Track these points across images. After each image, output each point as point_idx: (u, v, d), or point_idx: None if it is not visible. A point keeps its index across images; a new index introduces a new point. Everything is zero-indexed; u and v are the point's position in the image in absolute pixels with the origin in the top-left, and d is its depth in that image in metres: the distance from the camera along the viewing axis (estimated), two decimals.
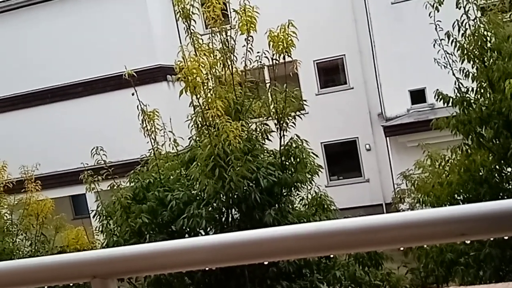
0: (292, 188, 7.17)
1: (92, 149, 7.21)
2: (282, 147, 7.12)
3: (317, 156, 7.48)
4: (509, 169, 6.67)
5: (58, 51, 16.67)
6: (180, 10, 6.74)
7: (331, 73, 19.18)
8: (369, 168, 18.35)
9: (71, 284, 1.49)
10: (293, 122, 7.20)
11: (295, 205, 7.49)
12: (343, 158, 18.92)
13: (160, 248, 1.41)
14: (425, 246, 5.98)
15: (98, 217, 7.52)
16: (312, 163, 7.22)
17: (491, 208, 1.16)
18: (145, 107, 7.27)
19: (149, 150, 7.54)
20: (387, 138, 16.46)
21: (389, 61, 16.72)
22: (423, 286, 7.60)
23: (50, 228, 10.08)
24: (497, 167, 6.76)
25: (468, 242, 1.17)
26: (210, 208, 6.70)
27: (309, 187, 7.44)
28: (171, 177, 7.25)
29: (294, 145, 7.08)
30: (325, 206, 7.49)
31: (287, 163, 7.12)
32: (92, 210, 7.92)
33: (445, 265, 6.89)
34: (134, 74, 6.95)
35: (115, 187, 7.25)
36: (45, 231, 10.01)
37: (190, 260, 1.39)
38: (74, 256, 1.47)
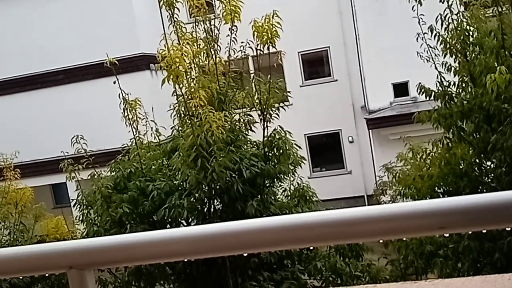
0: (275, 179, 7.19)
1: (72, 138, 7.11)
2: (265, 138, 7.11)
3: (300, 147, 7.49)
4: (488, 163, 6.75)
5: (39, 38, 16.36)
6: None
7: (316, 65, 19.21)
8: (351, 160, 18.48)
9: (46, 275, 1.46)
10: (276, 114, 7.19)
11: (277, 196, 7.51)
12: (326, 150, 19.02)
13: (138, 239, 1.39)
14: (404, 238, 6.04)
15: (79, 206, 7.45)
16: (295, 154, 7.23)
17: (470, 202, 1.16)
18: (127, 96, 7.19)
19: (131, 139, 7.47)
20: (370, 130, 16.56)
21: (373, 54, 16.79)
22: (403, 277, 7.70)
23: (30, 217, 9.93)
24: (477, 160, 6.84)
25: (447, 235, 1.17)
26: (192, 199, 6.68)
27: (291, 179, 7.46)
28: (153, 167, 7.21)
29: (277, 136, 7.08)
30: (307, 197, 7.53)
31: (270, 154, 7.12)
32: (73, 199, 7.84)
33: (424, 257, 6.97)
34: (116, 62, 6.86)
35: (95, 176, 7.17)
36: (24, 220, 9.85)
37: (168, 251, 1.38)
38: (50, 246, 1.44)
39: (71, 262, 1.37)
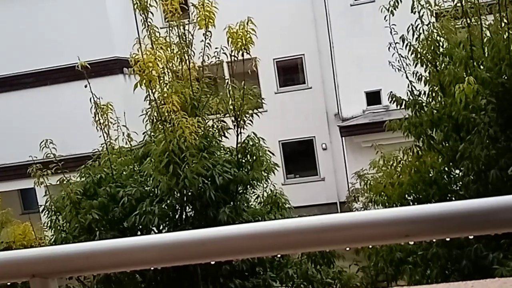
0: (248, 186, 7.18)
1: (41, 142, 6.96)
2: (239, 145, 7.10)
3: (273, 154, 7.50)
4: (457, 171, 6.89)
5: (10, 40, 16.02)
6: (137, 1, 6.61)
7: (291, 72, 19.33)
8: (325, 167, 18.62)
9: (8, 283, 1.43)
10: (250, 120, 7.19)
11: (250, 203, 7.50)
12: (300, 157, 19.12)
13: (103, 247, 1.37)
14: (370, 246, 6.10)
15: (47, 212, 7.28)
16: (268, 161, 7.24)
17: (434, 210, 1.17)
18: (99, 100, 7.09)
19: (102, 144, 7.36)
20: (343, 138, 16.74)
21: (346, 62, 17.00)
22: (373, 284, 7.77)
23: None
24: (446, 169, 6.97)
25: (412, 243, 1.19)
26: (163, 205, 6.61)
27: (265, 185, 7.46)
28: (124, 172, 7.11)
29: (251, 143, 7.07)
30: (280, 204, 7.54)
31: (243, 160, 7.11)
32: (41, 205, 7.66)
33: (394, 263, 7.05)
34: (88, 65, 6.77)
35: (64, 182, 7.03)
36: None
37: (136, 259, 1.36)
38: (11, 254, 1.41)
39: (33, 271, 1.34)
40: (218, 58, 7.04)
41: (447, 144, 6.73)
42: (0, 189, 11.14)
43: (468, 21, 6.55)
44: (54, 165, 7.00)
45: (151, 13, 6.70)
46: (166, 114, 6.44)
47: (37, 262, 1.36)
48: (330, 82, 17.95)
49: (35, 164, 7.12)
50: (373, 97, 16.84)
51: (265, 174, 7.21)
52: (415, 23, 6.73)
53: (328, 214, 1.23)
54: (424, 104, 6.90)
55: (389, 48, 7.00)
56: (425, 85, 6.98)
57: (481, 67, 6.46)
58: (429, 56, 6.78)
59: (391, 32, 6.74)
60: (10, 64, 15.96)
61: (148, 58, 6.26)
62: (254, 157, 7.06)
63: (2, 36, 16.04)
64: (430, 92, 6.93)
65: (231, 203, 6.86)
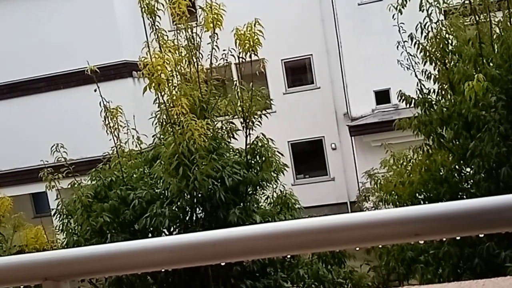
0: (257, 187, 7.17)
1: (52, 146, 7.02)
2: (248, 146, 7.11)
3: (282, 155, 7.50)
4: (468, 169, 6.84)
5: (20, 45, 16.17)
6: (145, 5, 6.65)
7: (299, 73, 19.31)
8: (334, 167, 18.57)
9: (21, 287, 1.44)
10: (259, 121, 7.20)
11: (260, 204, 7.50)
12: (310, 157, 19.09)
13: (114, 250, 1.38)
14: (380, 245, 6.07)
15: (59, 215, 7.34)
16: (278, 161, 7.24)
17: (444, 209, 1.17)
18: (108, 104, 7.14)
19: (112, 147, 7.41)
20: (352, 137, 16.68)
21: (355, 62, 16.94)
22: (385, 283, 7.74)
23: (8, 227, 9.76)
24: (456, 167, 6.93)
25: (422, 242, 1.19)
26: (173, 207, 6.64)
27: (274, 186, 7.46)
28: (134, 175, 7.15)
29: (259, 144, 7.08)
30: (290, 204, 7.53)
31: (252, 161, 7.12)
32: (53, 209, 7.72)
33: (405, 263, 7.02)
34: (97, 70, 6.82)
35: (75, 185, 7.08)
36: (3, 230, 9.68)
37: (146, 261, 1.37)
38: (24, 257, 1.42)
39: (46, 274, 1.35)
40: (226, 60, 7.06)
41: (457, 142, 6.69)
42: (12, 193, 11.21)
43: (477, 18, 6.52)
44: (65, 169, 7.05)
45: (159, 16, 6.74)
46: (175, 116, 6.46)
47: (49, 265, 1.37)
48: (338, 82, 17.90)
49: (47, 168, 7.18)
50: (382, 96, 16.77)
51: (275, 175, 7.21)
52: (423, 21, 6.70)
53: (338, 214, 1.23)
54: (433, 102, 6.86)
55: (397, 46, 6.98)
56: (434, 83, 6.94)
57: (491, 64, 6.41)
58: (438, 54, 6.75)
59: (399, 31, 6.72)
60: (21, 70, 16.11)
61: (157, 61, 6.29)
62: (263, 158, 7.06)
63: (13, 41, 16.19)
64: (439, 90, 6.89)
65: (241, 204, 6.87)
